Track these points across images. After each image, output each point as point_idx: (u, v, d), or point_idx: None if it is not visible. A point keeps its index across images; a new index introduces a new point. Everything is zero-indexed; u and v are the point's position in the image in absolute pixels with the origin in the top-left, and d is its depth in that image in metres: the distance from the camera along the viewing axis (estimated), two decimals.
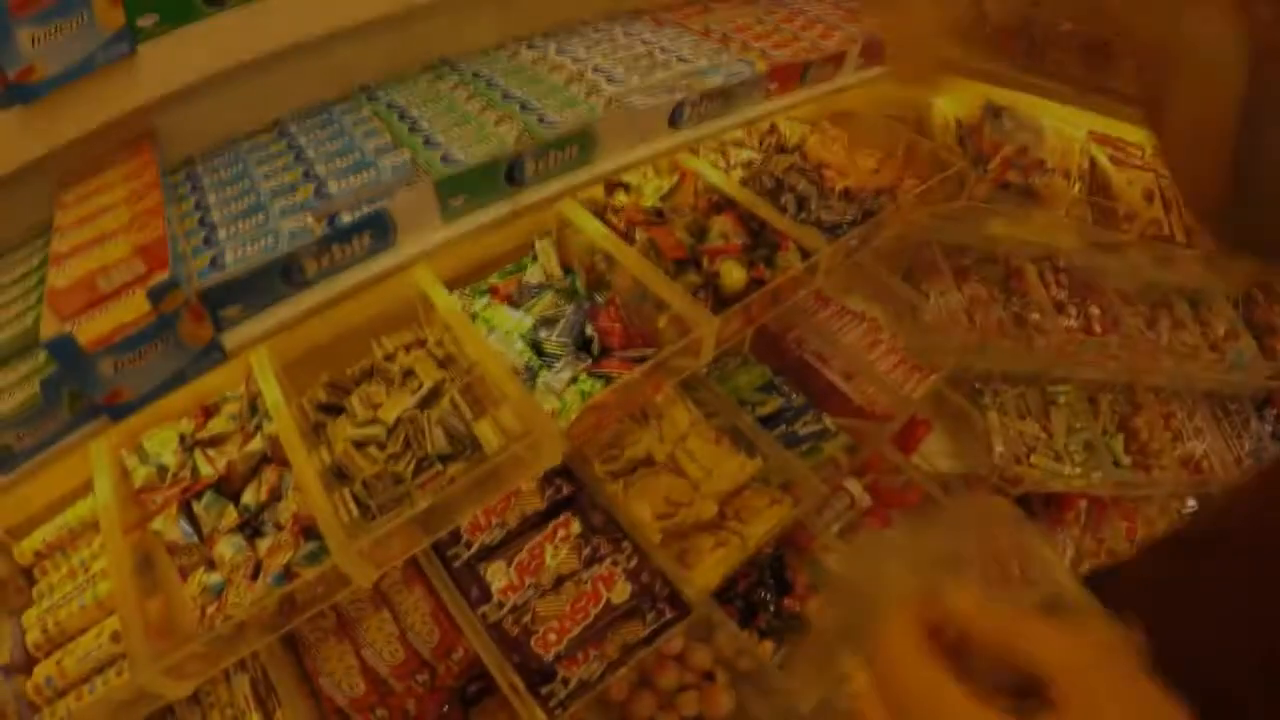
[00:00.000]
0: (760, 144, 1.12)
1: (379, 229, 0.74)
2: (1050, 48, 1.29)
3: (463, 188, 0.75)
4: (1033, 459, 1.42)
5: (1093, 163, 1.47)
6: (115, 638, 0.88)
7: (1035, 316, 1.38)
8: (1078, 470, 1.42)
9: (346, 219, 0.73)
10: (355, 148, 0.79)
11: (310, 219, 0.73)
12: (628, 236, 0.97)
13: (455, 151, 0.76)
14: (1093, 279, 1.55)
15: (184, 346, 0.70)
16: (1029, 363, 1.47)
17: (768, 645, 1.14)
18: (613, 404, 0.83)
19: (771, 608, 1.17)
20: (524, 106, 0.81)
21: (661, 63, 0.90)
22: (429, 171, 0.75)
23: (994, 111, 1.39)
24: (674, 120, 0.86)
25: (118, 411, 0.72)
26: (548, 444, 0.79)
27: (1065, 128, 1.49)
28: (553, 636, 0.89)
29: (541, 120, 0.78)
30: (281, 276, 0.73)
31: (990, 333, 1.33)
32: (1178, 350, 1.51)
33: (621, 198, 1.04)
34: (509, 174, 0.77)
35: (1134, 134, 1.52)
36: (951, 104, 1.41)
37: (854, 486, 1.28)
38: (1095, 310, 1.49)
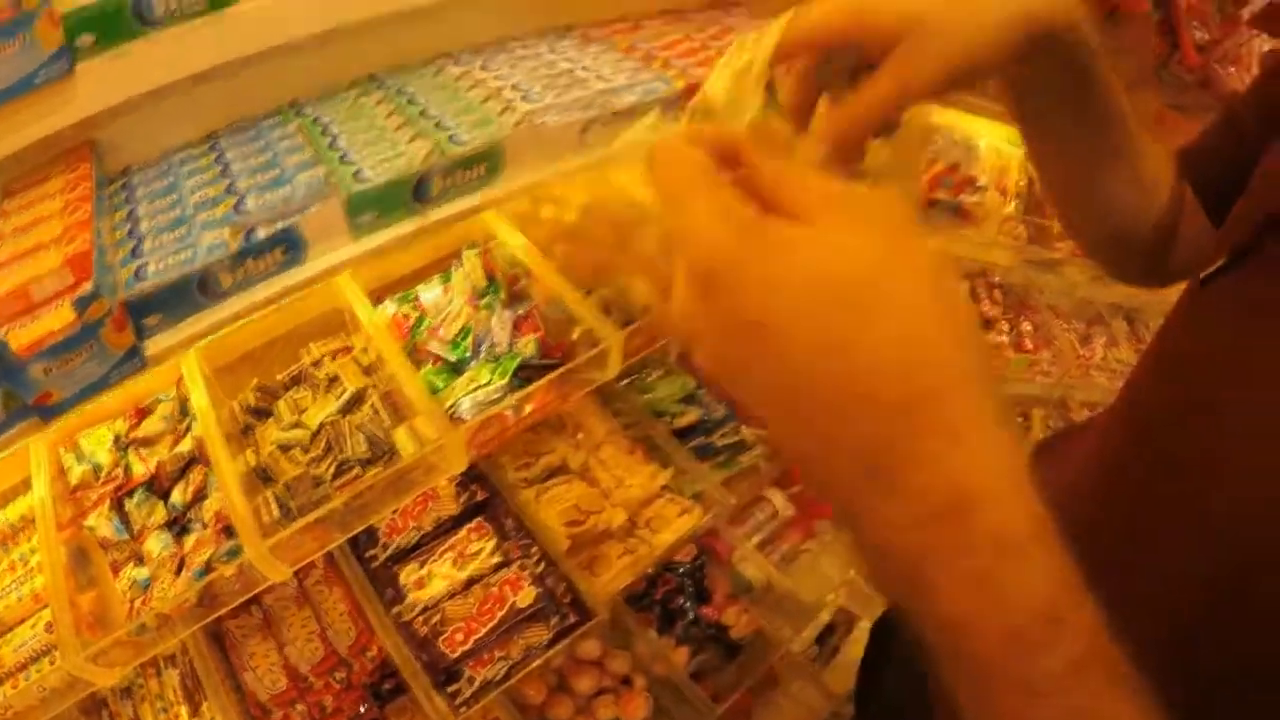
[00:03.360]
0: None
1: (291, 244, 0.85)
2: None
3: (371, 205, 0.86)
4: None
5: (1030, 181, 1.55)
6: (49, 628, 1.00)
7: None
8: None
9: (261, 234, 0.84)
10: (277, 163, 0.91)
11: (228, 233, 0.85)
12: (549, 250, 1.08)
13: (366, 169, 0.87)
14: (1028, 296, 1.64)
15: (107, 352, 0.82)
16: None
17: (684, 652, 1.24)
18: (515, 413, 0.93)
19: (690, 615, 1.27)
20: (438, 124, 0.92)
21: (579, 80, 1.01)
22: (341, 188, 0.86)
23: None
24: (585, 138, 0.96)
25: (47, 412, 0.84)
26: (452, 452, 0.90)
27: (1005, 146, 1.59)
28: (460, 637, 0.99)
29: (452, 138, 0.89)
30: (199, 288, 0.84)
31: None
32: (1112, 367, 1.60)
33: (548, 210, 1.14)
34: (416, 191, 0.88)
35: None
36: None
37: (776, 497, 1.37)
38: (1028, 326, 1.58)
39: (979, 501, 0.29)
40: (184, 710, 1.09)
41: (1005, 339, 1.53)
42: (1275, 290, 0.45)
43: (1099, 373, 1.58)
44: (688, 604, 1.29)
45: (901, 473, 0.29)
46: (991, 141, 1.55)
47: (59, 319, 0.79)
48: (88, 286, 0.78)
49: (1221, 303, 0.51)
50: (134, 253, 0.86)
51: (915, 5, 0.47)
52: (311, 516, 0.89)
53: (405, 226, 0.89)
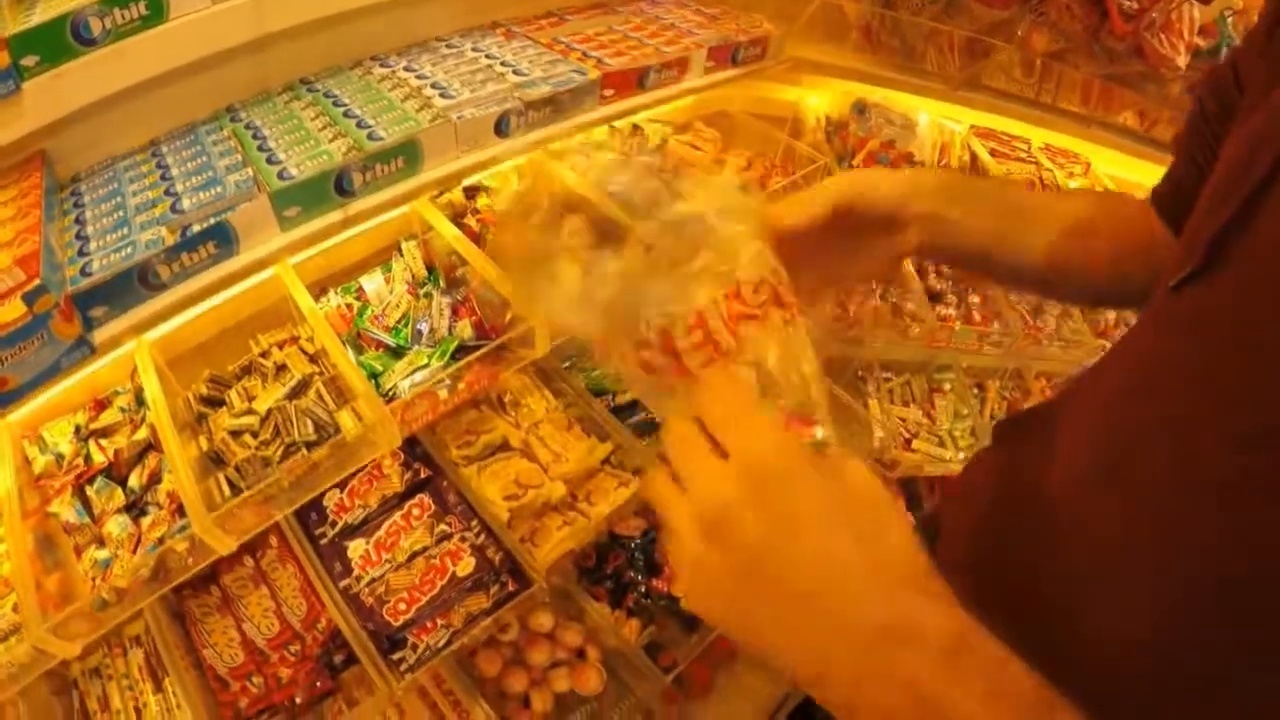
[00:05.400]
0: (622, 146, 1.33)
1: (222, 238, 0.96)
2: (929, 46, 1.48)
3: (296, 200, 0.98)
4: (915, 444, 1.60)
5: (974, 156, 1.65)
6: (16, 609, 1.11)
7: (911, 306, 1.57)
8: (961, 454, 1.61)
9: (194, 230, 0.96)
10: (210, 166, 1.03)
11: (164, 231, 0.96)
12: (481, 238, 1.19)
13: (290, 167, 0.98)
14: None
15: (57, 341, 0.94)
16: (908, 351, 1.65)
17: (635, 624, 1.34)
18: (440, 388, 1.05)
19: (641, 588, 1.38)
20: (359, 123, 1.03)
21: (497, 75, 1.12)
22: (267, 186, 0.97)
23: (860, 108, 1.58)
24: (500, 129, 1.08)
25: (4, 399, 0.96)
26: (383, 430, 1.01)
27: (946, 123, 1.68)
28: (403, 606, 1.10)
29: (370, 135, 1.01)
30: (139, 281, 0.95)
31: (866, 322, 1.52)
32: (1066, 338, 1.68)
33: (484, 200, 1.26)
34: (338, 185, 0.99)
35: (1018, 128, 1.70)
36: (824, 103, 1.61)
37: None
38: (976, 299, 1.67)
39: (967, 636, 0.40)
40: (148, 687, 1.21)
41: (954, 311, 1.62)
42: (1244, 300, 0.47)
43: (1052, 343, 1.66)
44: (638, 577, 1.39)
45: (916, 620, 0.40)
46: (932, 118, 1.65)
47: (11, 311, 0.91)
48: (35, 282, 0.90)
49: (1191, 312, 0.52)
50: (80, 252, 0.98)
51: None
52: (250, 493, 1.00)
53: (331, 218, 1.00)
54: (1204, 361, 0.49)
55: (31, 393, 0.96)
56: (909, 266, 1.59)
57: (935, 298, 1.63)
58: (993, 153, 1.66)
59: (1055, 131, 1.59)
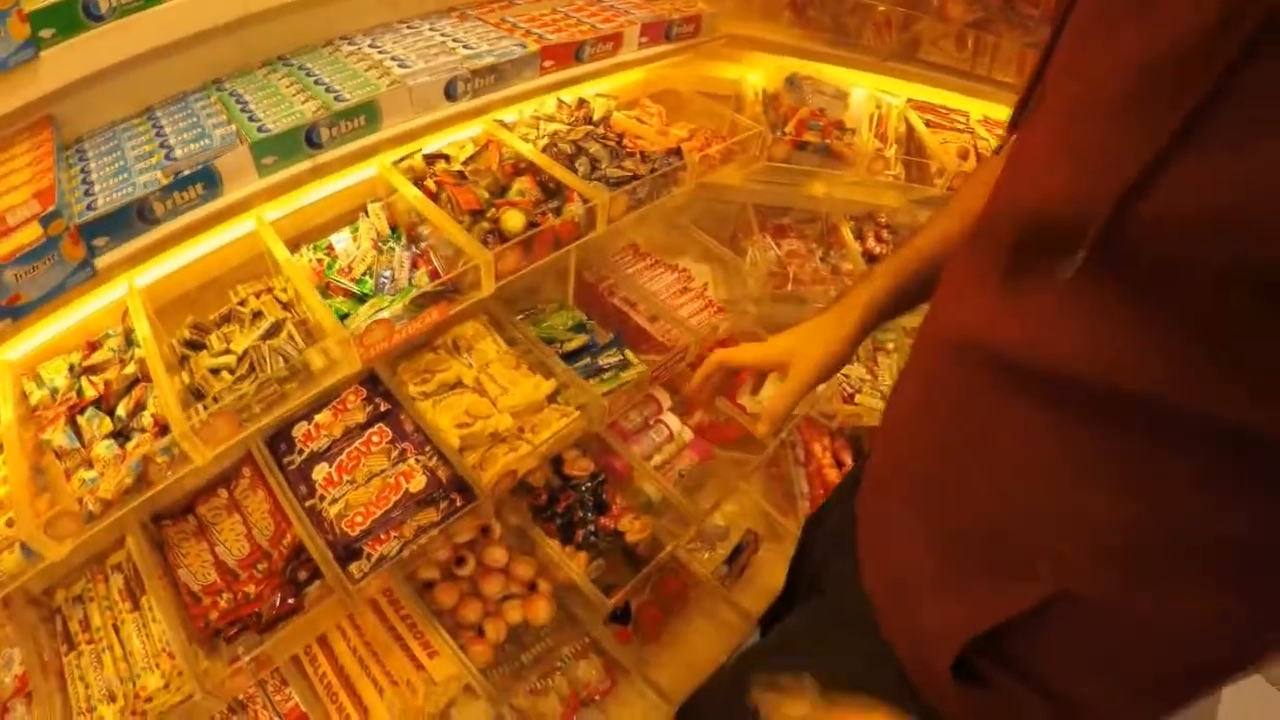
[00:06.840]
0: (569, 118, 1.61)
1: (208, 181, 1.24)
2: (865, 23, 1.76)
3: (272, 150, 1.25)
4: (857, 399, 1.83)
5: (910, 128, 1.91)
6: (10, 523, 1.36)
7: (848, 266, 1.81)
8: None
9: (185, 173, 1.23)
10: (199, 125, 1.31)
11: (160, 174, 1.24)
12: (438, 197, 1.46)
13: (268, 123, 1.26)
14: None
15: (65, 263, 1.21)
16: None
17: (583, 557, 1.57)
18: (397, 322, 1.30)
19: (590, 525, 1.61)
20: (327, 89, 1.31)
21: (449, 50, 1.41)
22: (247, 138, 1.25)
23: (792, 81, 1.85)
24: (449, 94, 1.36)
25: (17, 312, 1.22)
26: (342, 351, 1.27)
27: (882, 96, 1.95)
28: (359, 519, 1.34)
29: (336, 98, 1.29)
30: (137, 215, 1.23)
31: (804, 281, 1.76)
32: None
33: (441, 166, 1.53)
34: (308, 138, 1.26)
35: (954, 100, 1.97)
36: (762, 78, 1.88)
37: (672, 420, 1.70)
38: None
39: None
40: (125, 606, 1.44)
41: None
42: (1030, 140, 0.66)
43: None
44: (587, 515, 1.63)
45: None
46: (869, 91, 1.92)
47: (29, 234, 1.18)
48: (51, 208, 1.17)
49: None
50: (86, 194, 1.25)
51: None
52: (222, 404, 1.26)
53: (302, 166, 1.28)
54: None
55: (39, 309, 1.23)
56: (846, 231, 1.84)
57: (873, 260, 1.88)
58: (929, 124, 1.92)
59: (992, 103, 1.85)
